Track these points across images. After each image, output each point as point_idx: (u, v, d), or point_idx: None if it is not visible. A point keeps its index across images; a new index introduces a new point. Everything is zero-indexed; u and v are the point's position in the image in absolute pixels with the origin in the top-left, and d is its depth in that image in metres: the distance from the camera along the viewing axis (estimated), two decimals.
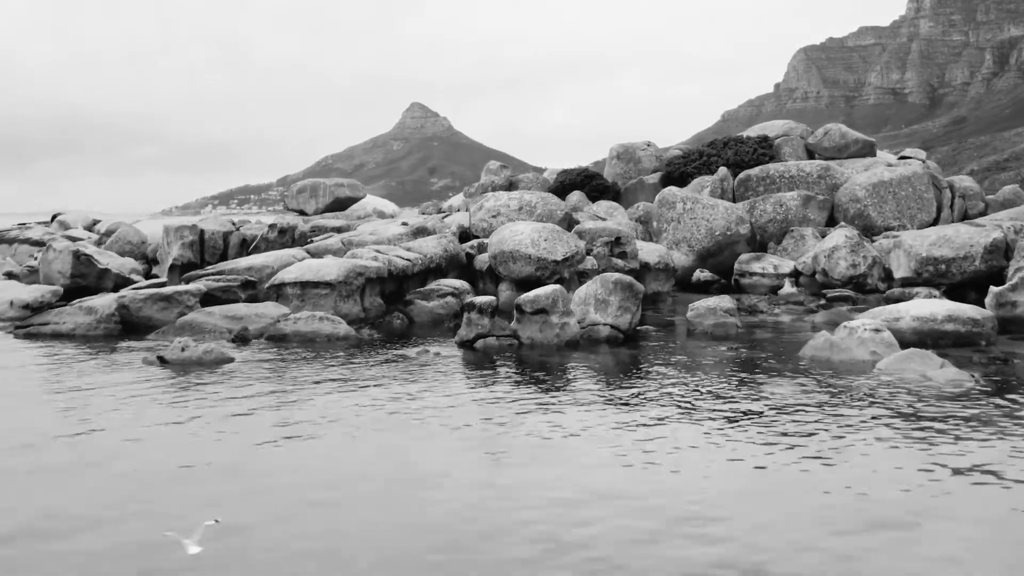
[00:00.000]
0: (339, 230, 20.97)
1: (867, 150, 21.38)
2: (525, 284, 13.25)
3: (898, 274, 14.64)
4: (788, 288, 14.88)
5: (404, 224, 15.25)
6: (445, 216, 18.90)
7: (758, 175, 19.37)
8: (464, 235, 16.76)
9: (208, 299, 12.81)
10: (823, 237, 17.47)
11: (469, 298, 11.69)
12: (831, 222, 18.32)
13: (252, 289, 13.19)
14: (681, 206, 17.18)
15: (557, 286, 10.14)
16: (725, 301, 11.23)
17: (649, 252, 14.80)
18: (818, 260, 15.27)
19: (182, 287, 13.09)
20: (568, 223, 16.37)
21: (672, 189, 17.67)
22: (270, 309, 11.72)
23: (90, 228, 27.41)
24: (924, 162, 20.93)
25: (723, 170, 18.91)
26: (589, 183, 19.83)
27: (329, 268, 11.79)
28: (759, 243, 17.67)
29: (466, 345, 10.33)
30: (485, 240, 14.42)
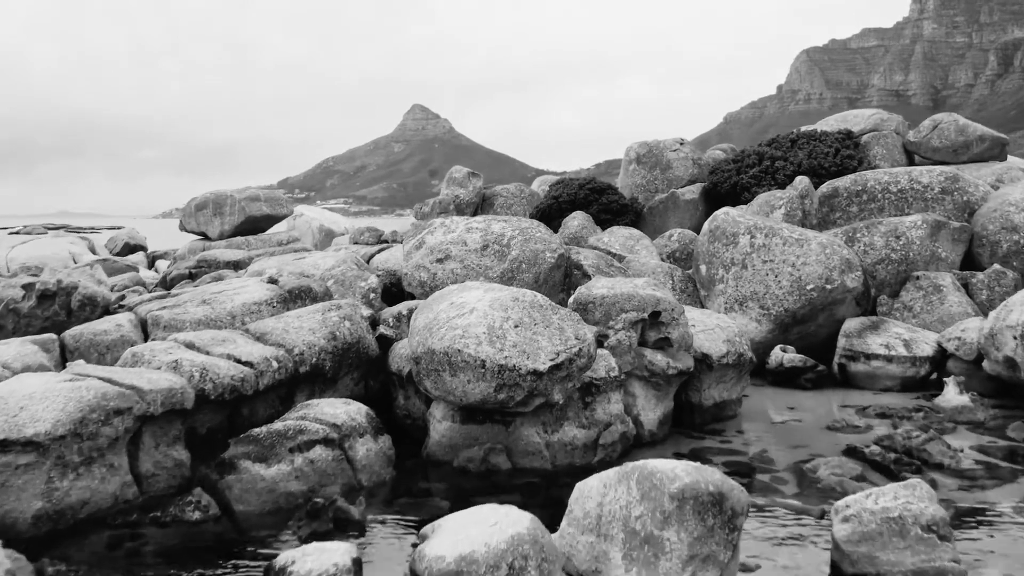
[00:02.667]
0: (238, 265, 14.55)
1: (995, 151, 14.91)
2: (476, 412, 6.92)
3: None
4: (954, 394, 8.36)
5: (272, 283, 8.63)
6: (380, 250, 12.41)
7: (849, 188, 12.84)
8: (394, 291, 10.33)
9: None
10: (964, 287, 11.02)
11: (325, 502, 5.38)
12: (969, 262, 11.88)
13: None
14: (747, 241, 10.64)
15: (521, 531, 3.70)
16: (916, 496, 4.78)
17: (709, 334, 8.35)
18: (997, 337, 8.86)
19: None
20: (566, 271, 9.90)
21: (729, 212, 11.12)
22: None
23: None
24: None
25: (803, 180, 12.34)
26: (597, 199, 13.45)
27: (36, 405, 5.30)
28: (866, 296, 11.19)
29: None
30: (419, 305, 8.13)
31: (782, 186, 13.40)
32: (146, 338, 7.52)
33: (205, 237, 17.58)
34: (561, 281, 9.56)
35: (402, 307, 8.56)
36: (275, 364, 6.85)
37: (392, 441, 6.68)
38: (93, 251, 23.71)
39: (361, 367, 7.65)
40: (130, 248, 26.24)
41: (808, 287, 10.04)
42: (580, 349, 6.44)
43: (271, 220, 17.56)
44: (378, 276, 9.73)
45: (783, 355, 9.93)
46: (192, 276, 15.26)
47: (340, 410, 6.55)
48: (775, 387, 9.69)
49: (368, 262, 12.00)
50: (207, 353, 6.77)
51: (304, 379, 7.16)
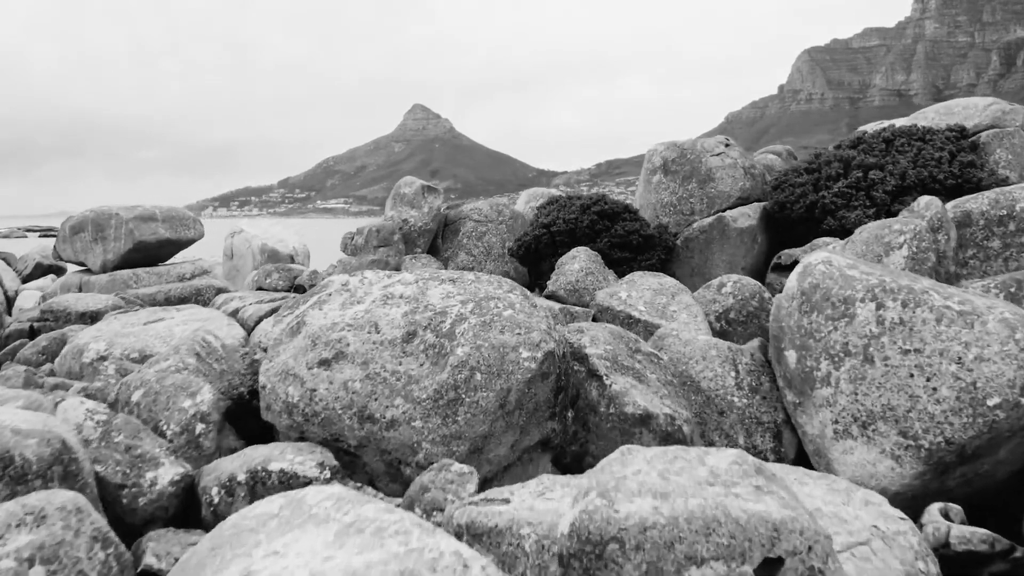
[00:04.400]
0: (95, 316, 10.36)
1: None
2: None
3: None
4: None
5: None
6: (274, 309, 8.01)
7: (988, 212, 8.45)
8: (253, 405, 5.96)
9: None
10: None
11: None
12: None
13: None
14: (872, 314, 6.18)
15: None
16: None
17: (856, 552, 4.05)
18: None
19: None
20: (558, 380, 5.46)
21: (833, 262, 6.66)
22: None
23: None
24: None
25: (933, 204, 7.87)
26: (608, 228, 8.95)
27: None
28: None
29: None
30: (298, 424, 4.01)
31: (882, 206, 9.02)
32: None
33: (87, 269, 13.25)
34: (551, 401, 5.18)
35: (233, 478, 4.17)
36: None
37: None
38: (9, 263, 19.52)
39: None
40: (43, 269, 21.81)
41: (990, 402, 5.63)
42: None
43: (173, 246, 13.21)
44: (219, 390, 5.35)
45: (948, 527, 5.51)
46: (33, 332, 10.90)
47: None
48: None
49: (250, 334, 7.62)
50: None
51: None
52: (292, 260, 18.22)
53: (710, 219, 9.45)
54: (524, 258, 9.10)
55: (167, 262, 13.69)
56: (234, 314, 8.92)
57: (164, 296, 12.54)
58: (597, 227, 8.95)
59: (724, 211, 9.92)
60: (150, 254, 13.20)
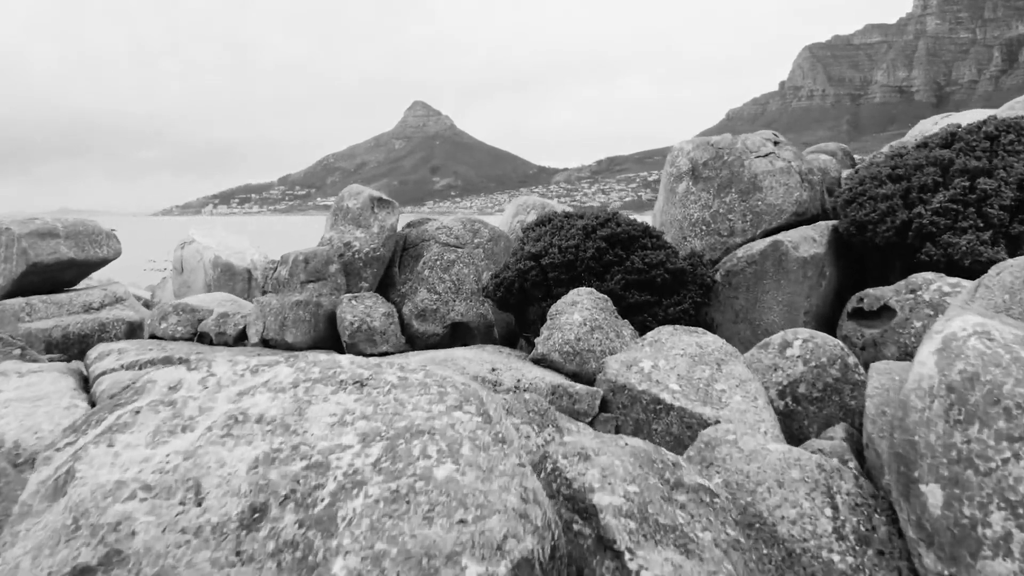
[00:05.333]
0: None
1: None
2: None
3: None
4: None
5: None
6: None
7: None
8: None
9: None
10: None
11: None
12: None
13: None
14: None
15: None
16: None
17: None
18: None
19: None
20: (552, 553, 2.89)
21: (994, 333, 4.11)
22: None
23: None
24: None
25: None
26: (623, 259, 6.30)
27: None
28: None
29: None
30: None
31: (999, 228, 6.47)
32: None
33: None
34: None
35: None
36: None
37: None
38: None
39: None
40: None
41: None
42: None
43: (78, 268, 10.68)
44: None
45: None
46: None
47: None
48: None
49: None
50: None
51: None
52: (249, 276, 15.67)
53: (761, 244, 6.89)
54: (504, 301, 6.55)
55: (74, 287, 11.15)
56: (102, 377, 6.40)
57: (62, 332, 10.03)
58: (606, 258, 6.37)
59: (776, 231, 7.37)
60: (50, 278, 10.66)
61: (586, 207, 7.24)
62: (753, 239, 7.67)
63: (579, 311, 5.86)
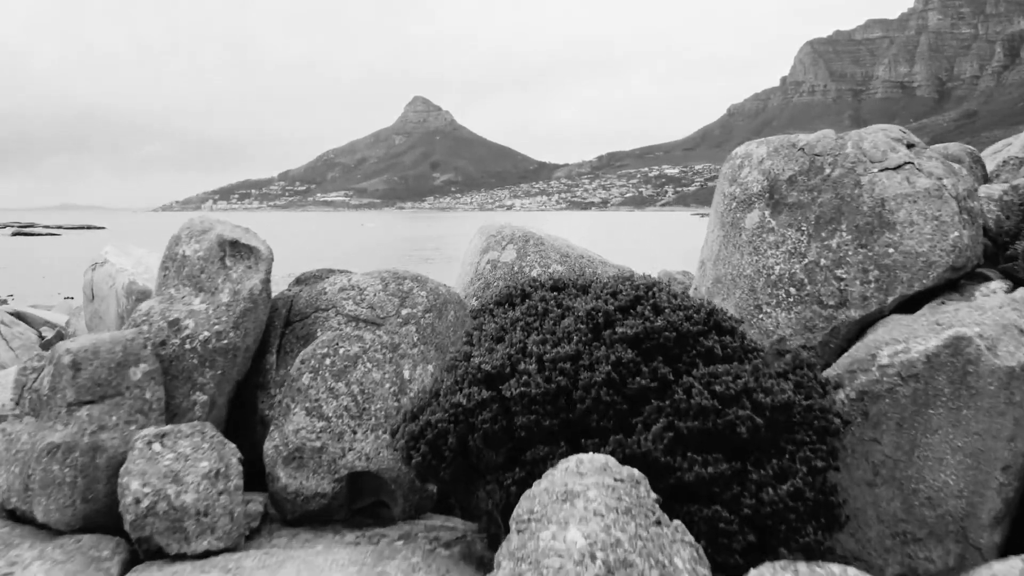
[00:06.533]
0: None
1: None
2: None
3: None
4: None
5: None
6: None
7: None
8: None
9: None
10: None
11: None
12: None
13: None
14: None
15: None
16: None
17: None
18: None
19: None
20: None
21: None
22: None
23: None
24: None
25: None
26: (666, 387, 2.89)
27: None
28: None
29: None
30: None
31: None
32: None
33: None
34: None
35: None
36: None
37: None
38: None
39: None
40: None
41: None
42: None
43: None
44: None
45: None
46: None
47: None
48: None
49: None
50: None
51: None
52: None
53: (929, 344, 3.57)
54: (428, 469, 3.20)
55: None
56: None
57: None
58: (636, 382, 3.07)
59: (919, 298, 4.06)
60: None
61: (594, 277, 3.89)
62: (881, 311, 4.38)
63: (579, 522, 2.63)
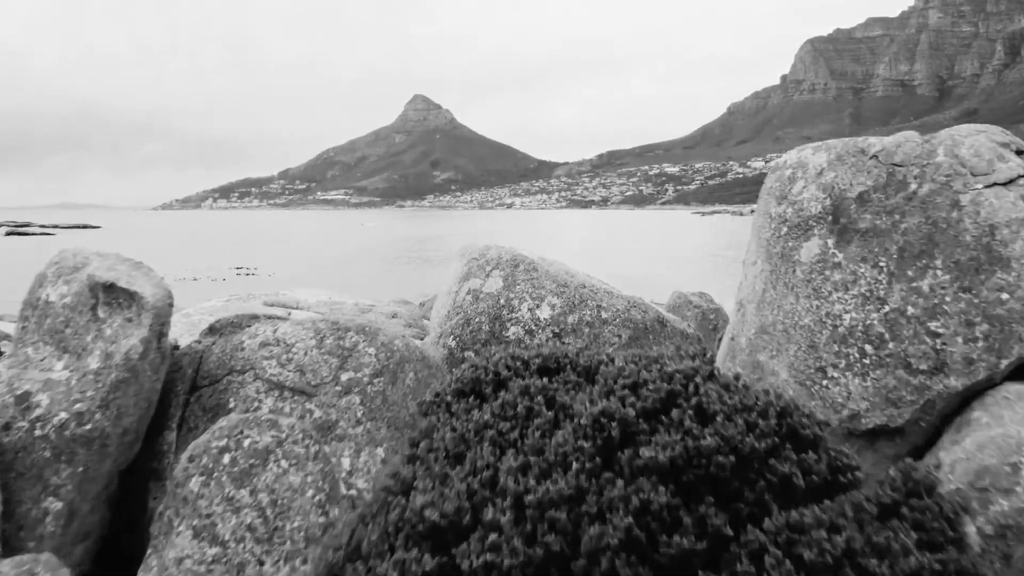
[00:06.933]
0: None
1: None
2: None
3: None
4: None
5: None
6: None
7: None
8: None
9: None
10: None
11: None
12: None
13: None
14: None
15: None
16: None
17: None
18: None
19: None
20: None
21: None
22: None
23: None
24: None
25: None
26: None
27: None
28: None
29: None
30: None
31: None
32: None
33: None
34: None
35: None
36: None
37: None
38: None
39: None
40: None
41: None
42: None
43: None
44: None
45: None
46: None
47: None
48: None
49: None
50: None
51: None
52: None
53: None
54: None
55: None
56: None
57: None
58: (671, 553, 1.94)
59: None
60: None
61: (602, 356, 2.67)
62: (991, 380, 3.21)
63: None
